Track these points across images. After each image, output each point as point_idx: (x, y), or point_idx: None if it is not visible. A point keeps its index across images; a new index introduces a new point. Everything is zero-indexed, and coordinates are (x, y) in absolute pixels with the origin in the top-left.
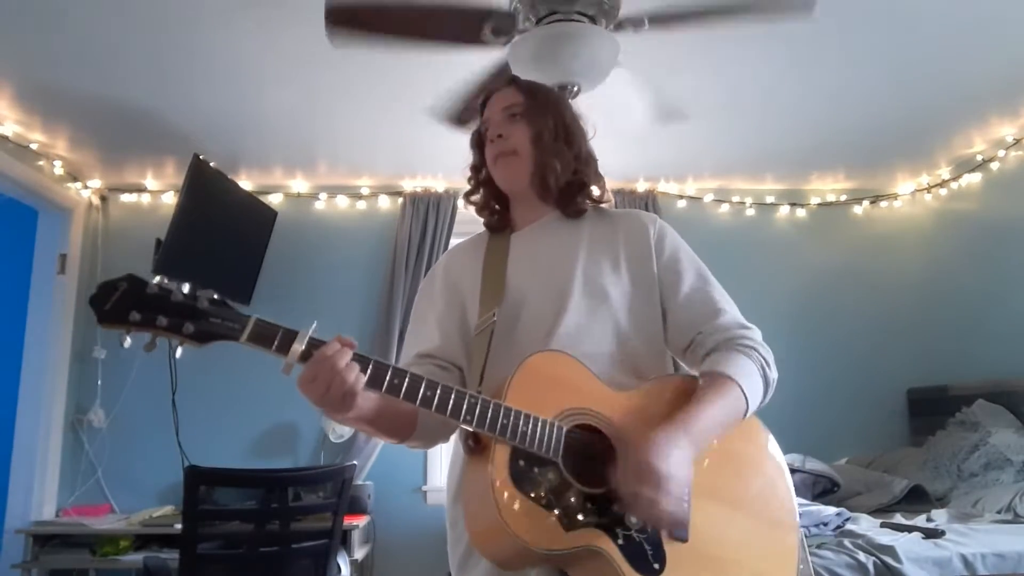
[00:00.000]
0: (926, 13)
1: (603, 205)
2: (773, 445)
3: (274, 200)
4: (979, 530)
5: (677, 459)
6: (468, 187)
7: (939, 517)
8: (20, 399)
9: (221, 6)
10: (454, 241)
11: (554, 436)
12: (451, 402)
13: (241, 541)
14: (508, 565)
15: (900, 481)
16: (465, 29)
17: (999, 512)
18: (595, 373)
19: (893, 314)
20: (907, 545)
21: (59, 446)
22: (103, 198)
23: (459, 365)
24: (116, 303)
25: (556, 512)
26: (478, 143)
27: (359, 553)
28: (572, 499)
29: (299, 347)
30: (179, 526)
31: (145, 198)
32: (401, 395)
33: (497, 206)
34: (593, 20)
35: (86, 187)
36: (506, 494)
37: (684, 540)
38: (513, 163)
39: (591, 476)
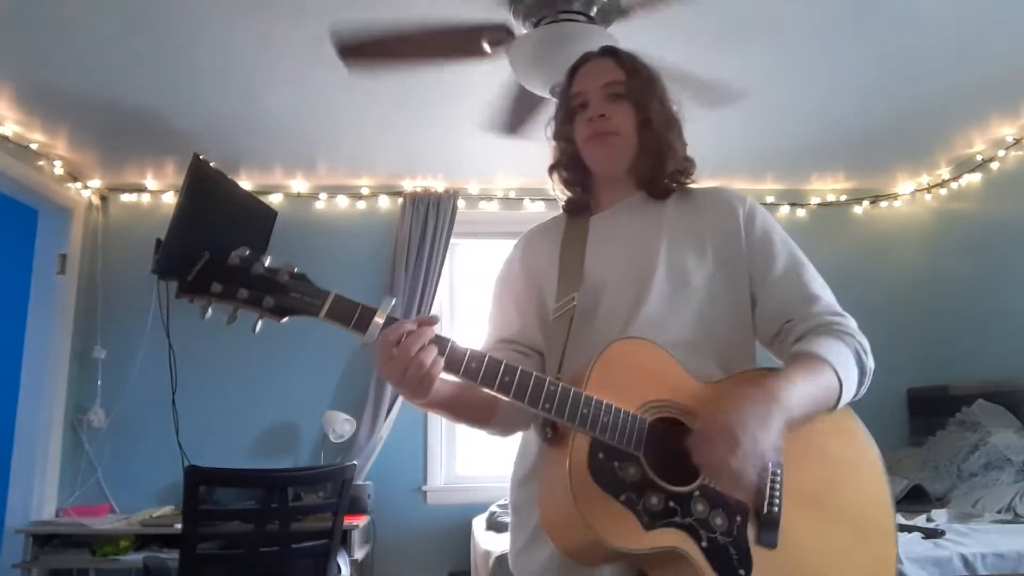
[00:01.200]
0: (926, 13)
1: (688, 184)
2: (873, 447)
3: (274, 200)
4: (979, 530)
5: (760, 420)
6: (554, 159)
7: (939, 517)
8: (20, 399)
9: (221, 6)
10: (454, 241)
11: (636, 429)
12: (530, 388)
13: (241, 541)
14: (581, 558)
15: (900, 481)
16: (465, 45)
17: (999, 512)
18: (680, 362)
19: (893, 314)
20: (907, 545)
21: (59, 446)
22: (103, 198)
23: (540, 351)
24: (199, 273)
25: (636, 509)
26: (567, 115)
27: (359, 553)
28: (653, 497)
29: (379, 322)
30: (179, 526)
31: (145, 198)
32: (479, 380)
33: (581, 185)
34: (592, 20)
35: (86, 187)
36: (584, 488)
37: (773, 546)
38: (614, 144)
39: (674, 473)
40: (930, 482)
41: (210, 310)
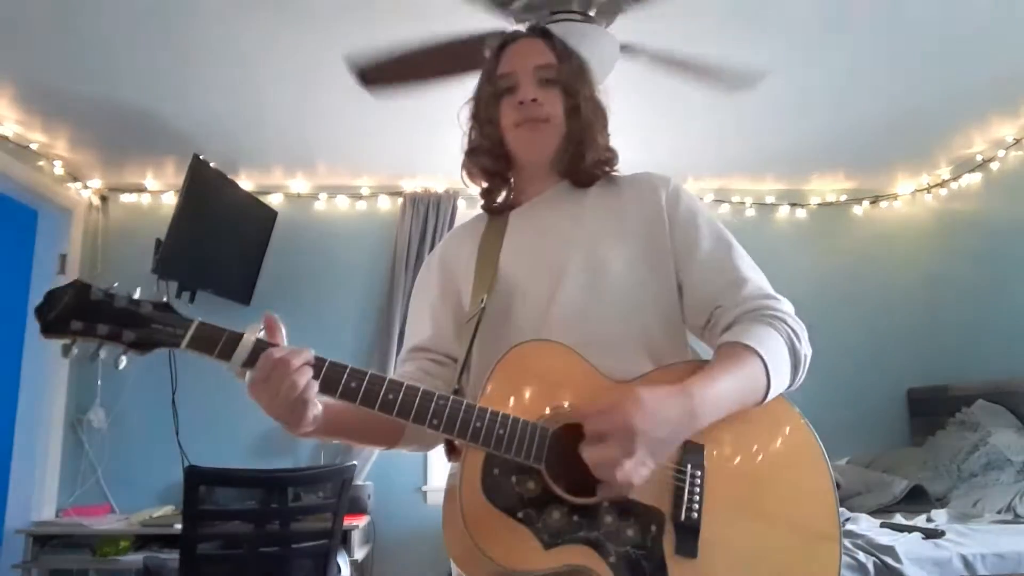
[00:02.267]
0: (926, 13)
1: (614, 172)
2: (812, 440)
3: (274, 200)
4: (979, 530)
5: (661, 421)
6: (473, 143)
7: (939, 517)
8: (20, 399)
9: (221, 6)
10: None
11: (536, 439)
12: (415, 405)
13: (241, 541)
14: None
15: (900, 481)
16: (470, 56)
17: (999, 512)
18: (594, 364)
19: (893, 314)
20: (907, 545)
21: (59, 446)
22: (103, 198)
23: (456, 358)
24: (60, 312)
25: (535, 526)
26: (493, 96)
27: (359, 553)
28: (555, 512)
29: (245, 347)
30: (179, 526)
31: (145, 198)
32: (359, 400)
33: (501, 176)
34: (589, 19)
35: (86, 187)
36: (473, 508)
37: (693, 555)
38: (544, 132)
39: (582, 483)
40: (930, 482)
41: (74, 348)
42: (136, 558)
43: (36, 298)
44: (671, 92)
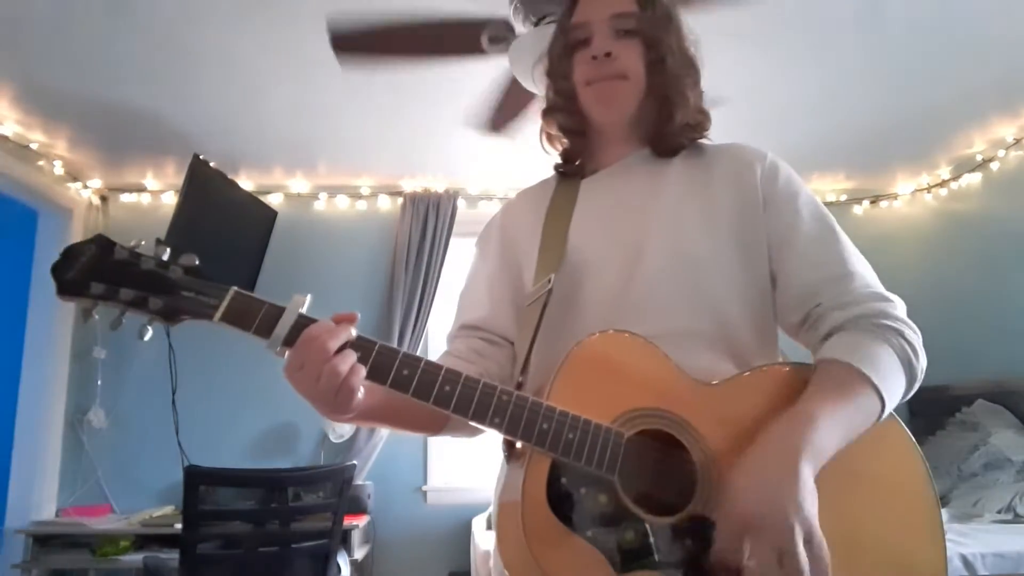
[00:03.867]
0: (926, 13)
1: (703, 141)
2: (917, 455)
3: (274, 200)
4: (979, 530)
5: (803, 495)
6: (548, 102)
7: None
8: (20, 399)
9: (221, 7)
10: (454, 241)
11: (610, 446)
12: (475, 401)
13: (241, 541)
14: None
15: None
16: (464, 41)
17: (999, 512)
18: (675, 361)
19: None
20: None
21: (59, 446)
22: (103, 198)
23: (511, 339)
24: (80, 271)
25: (607, 548)
26: (565, 49)
27: (359, 553)
28: (629, 530)
29: (287, 324)
30: (179, 526)
31: (145, 198)
32: (411, 391)
33: (577, 137)
34: None
35: (86, 187)
36: (540, 522)
37: None
38: (619, 90)
39: (659, 499)
40: None
41: (95, 313)
42: (136, 558)
43: (36, 298)
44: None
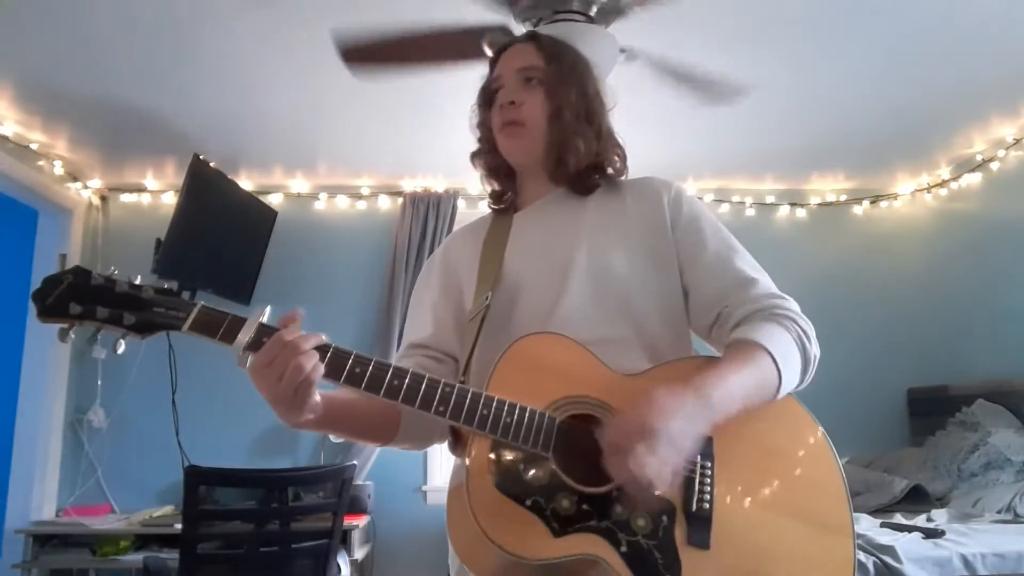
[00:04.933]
0: (926, 13)
1: (619, 177)
2: (823, 439)
3: (274, 200)
4: (979, 530)
5: (680, 419)
6: (477, 147)
7: (939, 517)
8: (20, 399)
9: (221, 6)
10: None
11: (544, 428)
12: (421, 391)
13: (241, 541)
14: None
15: (900, 481)
16: (466, 47)
17: (999, 512)
18: (599, 357)
19: (893, 314)
20: (907, 545)
21: (59, 446)
22: (103, 198)
23: (455, 356)
24: (59, 297)
25: (544, 515)
26: (487, 100)
27: (359, 553)
28: (565, 500)
29: (249, 331)
30: (179, 526)
31: (145, 198)
32: (363, 385)
33: (505, 176)
34: (591, 19)
35: (86, 187)
36: (481, 495)
37: (706, 547)
38: (521, 136)
39: (590, 473)
40: (930, 482)
41: (72, 333)
42: (136, 558)
43: None
44: (671, 92)
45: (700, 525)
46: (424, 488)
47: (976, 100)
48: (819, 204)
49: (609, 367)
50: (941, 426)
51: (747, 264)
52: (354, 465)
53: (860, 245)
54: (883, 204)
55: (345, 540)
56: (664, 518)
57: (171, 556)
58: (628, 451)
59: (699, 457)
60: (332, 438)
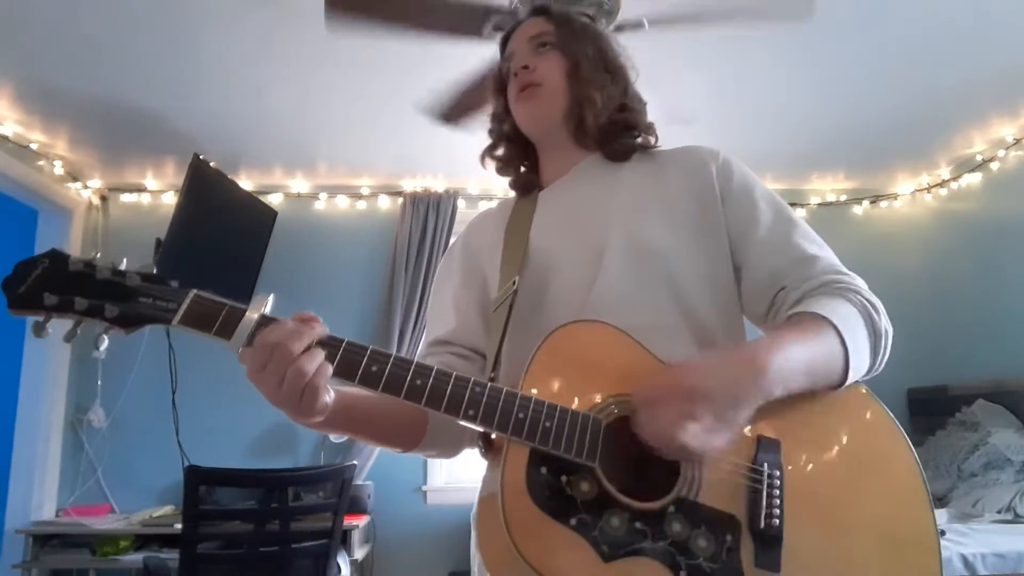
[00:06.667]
0: (926, 13)
1: (653, 147)
2: (903, 441)
3: (274, 200)
4: (979, 530)
5: (721, 373)
6: (489, 141)
7: (939, 517)
8: (20, 399)
9: (221, 6)
10: (454, 241)
11: (588, 433)
12: (448, 392)
13: (241, 541)
14: None
15: None
16: (466, 22)
17: (999, 512)
18: (647, 347)
19: (893, 314)
20: None
21: (59, 446)
22: (103, 198)
23: (482, 352)
24: (31, 285)
25: (591, 535)
26: (499, 86)
27: (359, 553)
28: (614, 518)
29: (249, 323)
30: (179, 526)
31: (145, 198)
32: (381, 387)
33: (523, 163)
34: (593, 20)
35: (86, 187)
36: (521, 512)
37: (775, 570)
38: (539, 97)
39: (644, 485)
40: (930, 482)
41: (48, 327)
42: (136, 558)
43: None
44: (670, 91)
45: (769, 545)
46: (424, 488)
47: (976, 100)
48: (819, 204)
49: (659, 360)
50: (941, 426)
51: (807, 239)
52: (354, 465)
53: (860, 245)
54: (883, 204)
55: (345, 540)
56: (728, 537)
57: (171, 556)
58: (661, 413)
59: (766, 466)
60: (333, 438)
